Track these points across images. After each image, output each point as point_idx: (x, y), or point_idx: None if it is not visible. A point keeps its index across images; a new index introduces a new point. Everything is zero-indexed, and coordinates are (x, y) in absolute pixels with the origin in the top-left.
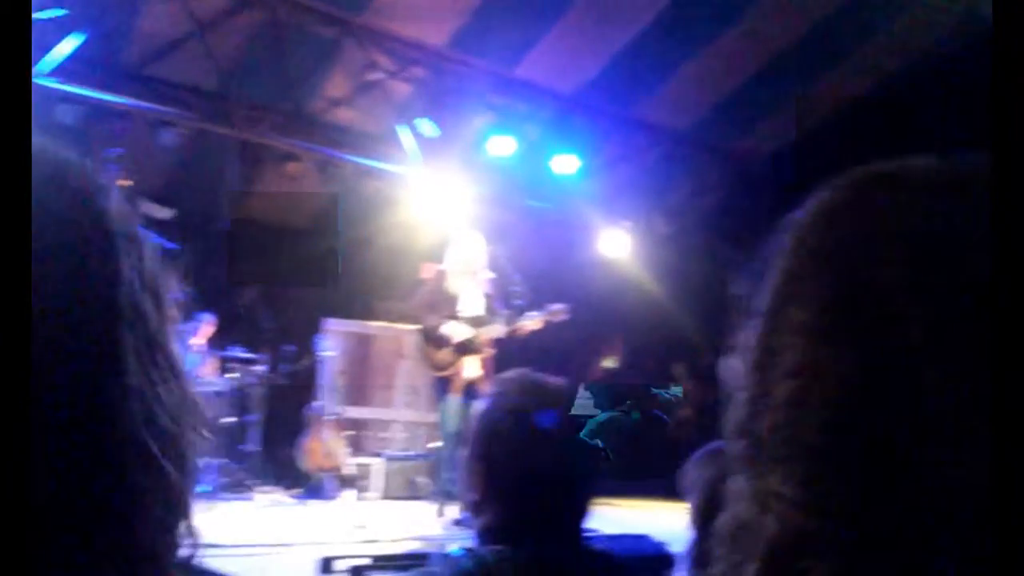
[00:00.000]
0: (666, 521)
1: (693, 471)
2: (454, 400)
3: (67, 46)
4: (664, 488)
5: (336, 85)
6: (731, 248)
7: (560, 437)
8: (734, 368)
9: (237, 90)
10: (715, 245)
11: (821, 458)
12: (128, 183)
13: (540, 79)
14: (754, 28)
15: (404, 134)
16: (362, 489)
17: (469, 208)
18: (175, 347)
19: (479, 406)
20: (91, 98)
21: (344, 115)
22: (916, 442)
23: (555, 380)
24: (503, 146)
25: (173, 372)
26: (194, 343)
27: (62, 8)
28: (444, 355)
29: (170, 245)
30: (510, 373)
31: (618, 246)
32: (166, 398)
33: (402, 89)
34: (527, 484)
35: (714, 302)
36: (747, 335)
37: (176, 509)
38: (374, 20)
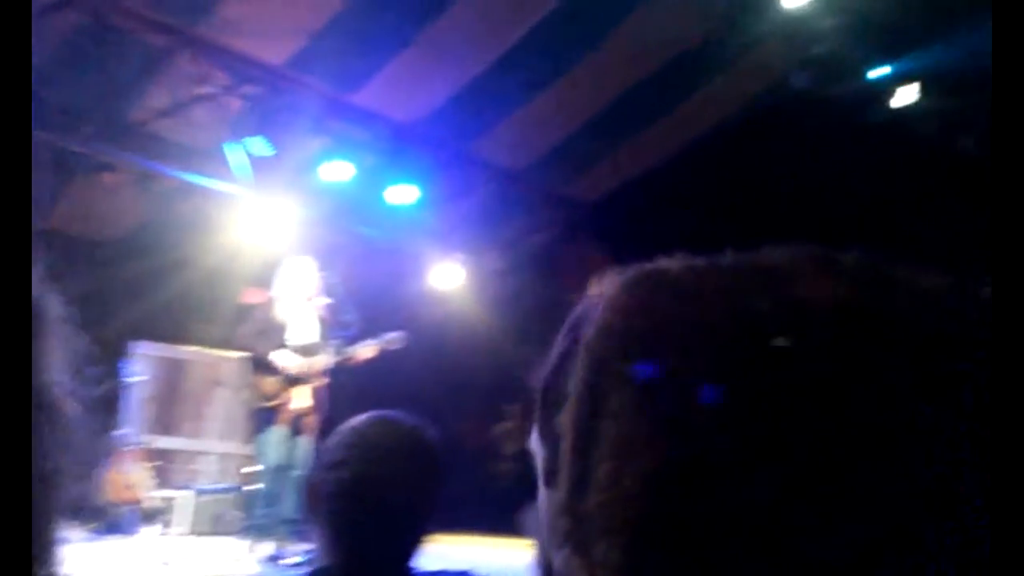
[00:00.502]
0: (493, 556)
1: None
2: (278, 431)
3: None
4: (492, 523)
5: (163, 96)
6: (559, 287)
7: (401, 479)
8: (544, 450)
9: (53, 94)
10: (544, 282)
11: (642, 530)
12: None
13: (380, 107)
14: (587, 77)
15: (233, 152)
16: (167, 524)
17: (299, 232)
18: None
19: (328, 444)
20: None
21: (170, 128)
22: (728, 512)
23: (410, 420)
24: (338, 171)
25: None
26: None
27: None
28: (272, 384)
29: None
30: (363, 416)
31: (451, 278)
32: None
33: (234, 105)
34: (360, 525)
35: (544, 338)
36: (561, 419)
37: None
38: (210, 33)
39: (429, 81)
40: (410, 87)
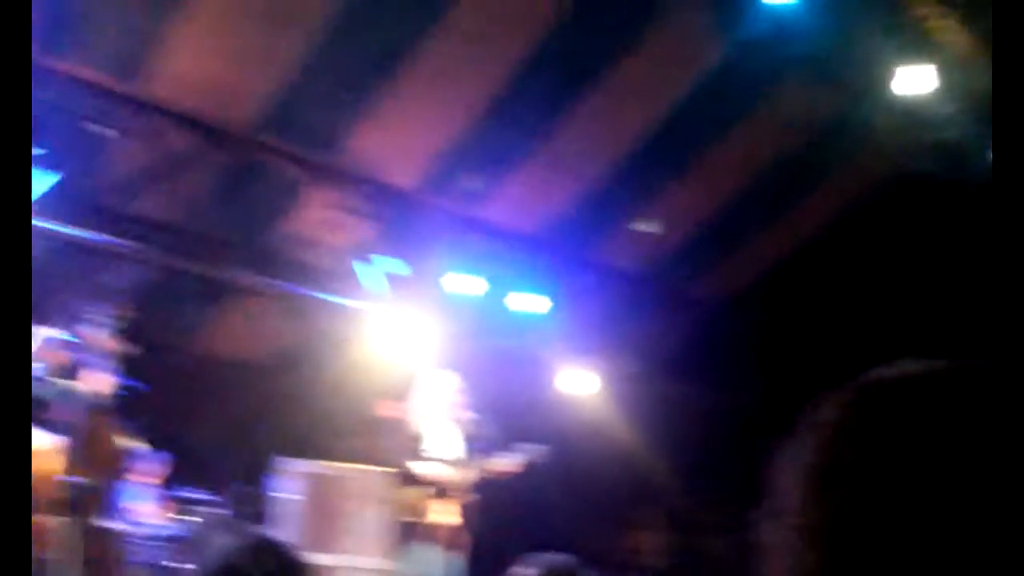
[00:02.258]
0: None
1: None
2: (424, 548)
3: (43, 184)
4: None
5: (301, 223)
6: (695, 390)
7: None
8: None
9: (202, 226)
10: (679, 385)
11: None
12: (126, 314)
13: (504, 220)
14: (707, 177)
15: (368, 272)
16: None
17: (433, 346)
18: None
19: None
20: (63, 234)
21: (308, 253)
22: None
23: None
24: (469, 285)
25: None
26: (149, 482)
27: (40, 147)
28: (416, 497)
29: (138, 385)
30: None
31: (584, 384)
32: None
33: (369, 228)
34: None
35: (680, 445)
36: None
37: None
38: (342, 161)
39: (552, 190)
40: (534, 198)
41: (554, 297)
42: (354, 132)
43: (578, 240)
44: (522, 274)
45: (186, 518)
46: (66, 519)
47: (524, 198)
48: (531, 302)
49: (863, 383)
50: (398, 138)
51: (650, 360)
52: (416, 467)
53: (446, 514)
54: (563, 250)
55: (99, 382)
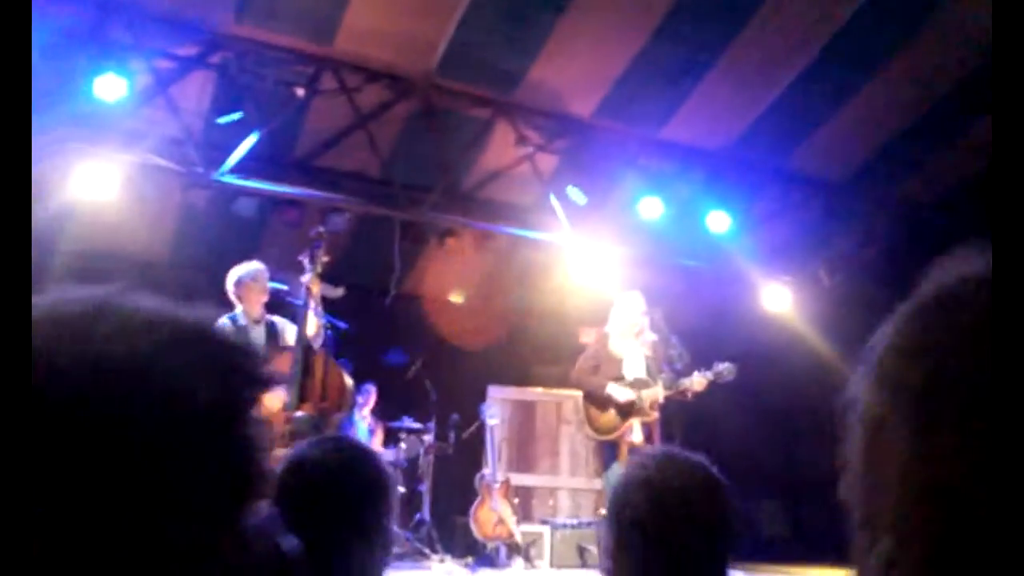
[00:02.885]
0: None
1: None
2: (620, 466)
3: (244, 145)
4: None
5: (488, 162)
6: (900, 300)
7: (683, 512)
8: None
9: (397, 174)
10: (882, 296)
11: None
12: (327, 259)
13: (687, 139)
14: (900, 78)
15: (555, 203)
16: (530, 558)
17: (623, 271)
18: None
19: (615, 478)
20: (266, 190)
21: (497, 190)
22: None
23: (694, 457)
24: (653, 208)
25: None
26: (362, 414)
27: (239, 111)
28: (609, 418)
29: (341, 324)
30: (649, 449)
31: (779, 301)
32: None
33: (550, 161)
34: (652, 555)
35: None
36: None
37: None
38: (521, 98)
39: (733, 104)
40: (715, 113)
41: (744, 213)
42: (530, 67)
43: (764, 153)
44: (709, 192)
45: (401, 447)
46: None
47: (705, 115)
48: (721, 221)
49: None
50: (573, 68)
51: (850, 271)
52: (614, 389)
53: (638, 432)
54: (749, 164)
55: (313, 324)
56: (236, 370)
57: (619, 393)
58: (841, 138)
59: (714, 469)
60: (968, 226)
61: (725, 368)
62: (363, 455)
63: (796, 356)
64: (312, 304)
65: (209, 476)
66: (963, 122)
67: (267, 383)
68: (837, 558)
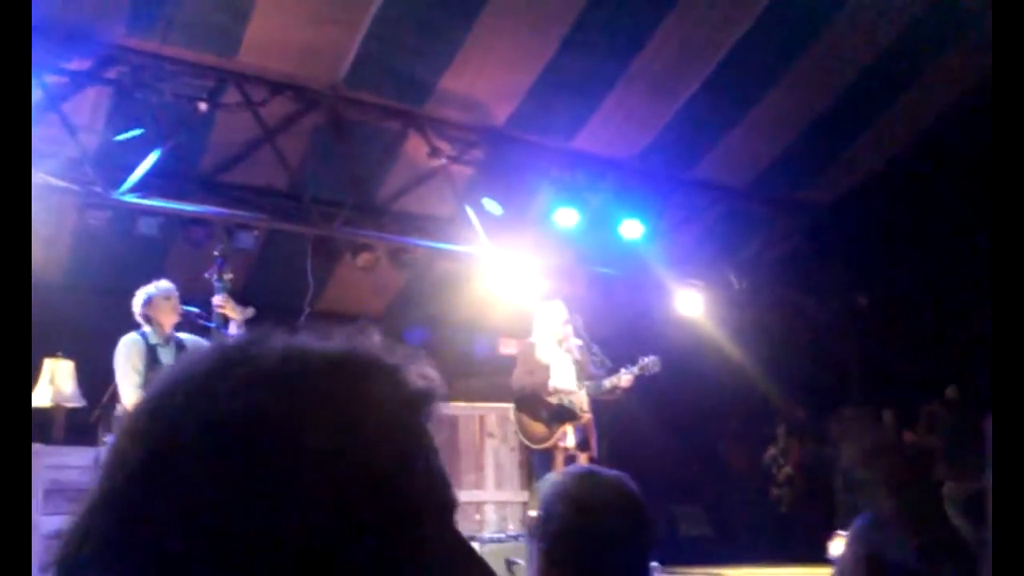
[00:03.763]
0: None
1: (849, 546)
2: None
3: (146, 163)
4: (771, 551)
5: (401, 174)
6: (805, 298)
7: (612, 525)
8: None
9: (307, 188)
10: (790, 296)
11: None
12: (230, 276)
13: (598, 148)
14: (799, 84)
15: (471, 215)
16: None
17: (541, 281)
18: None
19: (540, 492)
20: (169, 209)
21: (411, 202)
22: None
23: (611, 473)
24: (568, 217)
25: None
26: None
27: (139, 127)
28: (540, 426)
29: None
30: (571, 467)
31: (692, 306)
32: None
33: (464, 172)
34: (578, 567)
35: (798, 355)
36: None
37: None
38: (433, 109)
39: (641, 114)
40: (624, 124)
41: (655, 220)
42: (441, 77)
43: (672, 161)
44: (621, 201)
45: None
46: None
47: (614, 126)
48: (634, 228)
49: None
50: (484, 79)
51: (757, 274)
52: (539, 397)
53: (571, 438)
54: (658, 173)
55: None
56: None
57: (549, 400)
58: (744, 145)
59: (632, 485)
60: (862, 226)
61: (650, 361)
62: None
63: (711, 359)
64: (231, 324)
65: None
66: (861, 122)
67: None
68: (758, 557)
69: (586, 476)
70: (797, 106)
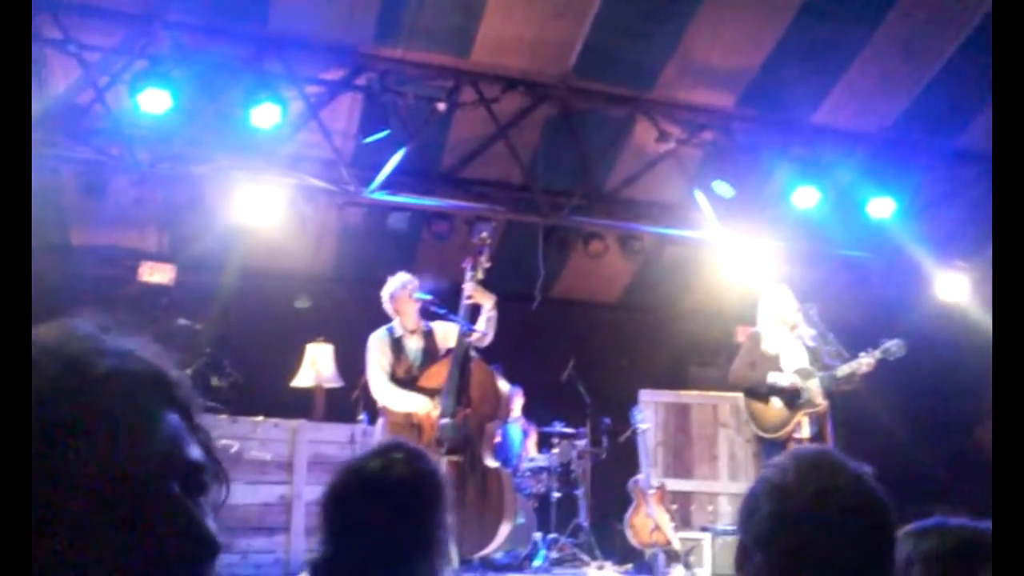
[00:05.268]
0: None
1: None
2: None
3: (392, 162)
4: None
5: (629, 161)
6: None
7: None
8: None
9: (539, 179)
10: None
11: None
12: (489, 265)
13: (842, 123)
14: None
15: (701, 199)
16: (690, 565)
17: (778, 266)
18: None
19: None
20: (415, 204)
21: (640, 189)
22: None
23: (855, 465)
24: (808, 197)
25: None
26: (513, 417)
27: (386, 129)
28: (775, 413)
29: (482, 332)
30: (806, 450)
31: (956, 290)
32: None
33: (694, 155)
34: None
35: None
36: None
37: None
38: (661, 93)
39: (891, 81)
40: (871, 93)
41: (910, 197)
42: (668, 61)
43: (930, 131)
44: (870, 178)
45: (555, 451)
46: (453, 457)
47: (860, 96)
48: (885, 206)
49: None
50: (713, 58)
51: None
52: (776, 376)
53: (805, 428)
54: (912, 145)
55: (482, 323)
56: None
57: (780, 379)
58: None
59: (874, 482)
60: None
61: (894, 345)
62: (419, 461)
63: (976, 349)
64: (481, 310)
65: None
66: None
67: None
68: None
69: (810, 465)
70: None
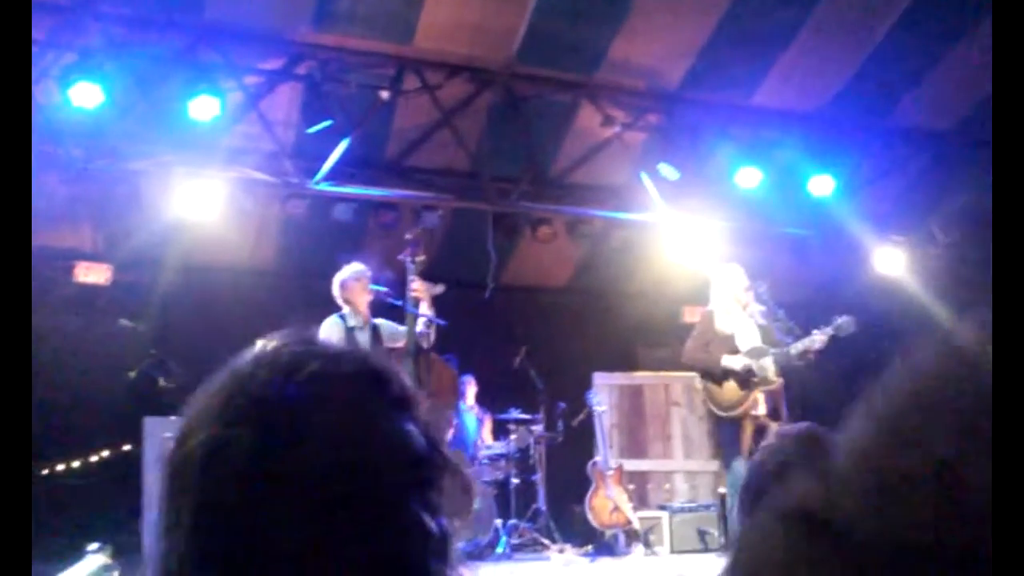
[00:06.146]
0: None
1: None
2: (746, 444)
3: (336, 152)
4: None
5: (575, 146)
6: None
7: None
8: None
9: (486, 166)
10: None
11: None
12: (423, 258)
13: (781, 103)
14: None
15: (647, 181)
16: (650, 544)
17: (723, 246)
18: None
19: (754, 459)
20: (360, 195)
21: (586, 173)
22: None
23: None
24: (751, 177)
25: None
26: (468, 404)
27: (329, 119)
28: (731, 392)
29: (440, 321)
30: (791, 427)
31: (893, 264)
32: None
33: (639, 138)
34: None
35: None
36: None
37: None
38: (604, 78)
39: (828, 62)
40: (808, 73)
41: (848, 175)
42: (611, 44)
43: (865, 110)
44: (808, 156)
45: (512, 438)
46: None
47: (798, 77)
48: (825, 184)
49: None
50: (655, 42)
51: (967, 225)
52: (729, 360)
53: (761, 405)
54: (848, 124)
55: (421, 323)
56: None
57: (734, 362)
58: (947, 86)
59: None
60: None
61: (845, 321)
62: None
63: (914, 321)
64: (423, 304)
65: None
66: None
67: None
68: None
69: (808, 442)
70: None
